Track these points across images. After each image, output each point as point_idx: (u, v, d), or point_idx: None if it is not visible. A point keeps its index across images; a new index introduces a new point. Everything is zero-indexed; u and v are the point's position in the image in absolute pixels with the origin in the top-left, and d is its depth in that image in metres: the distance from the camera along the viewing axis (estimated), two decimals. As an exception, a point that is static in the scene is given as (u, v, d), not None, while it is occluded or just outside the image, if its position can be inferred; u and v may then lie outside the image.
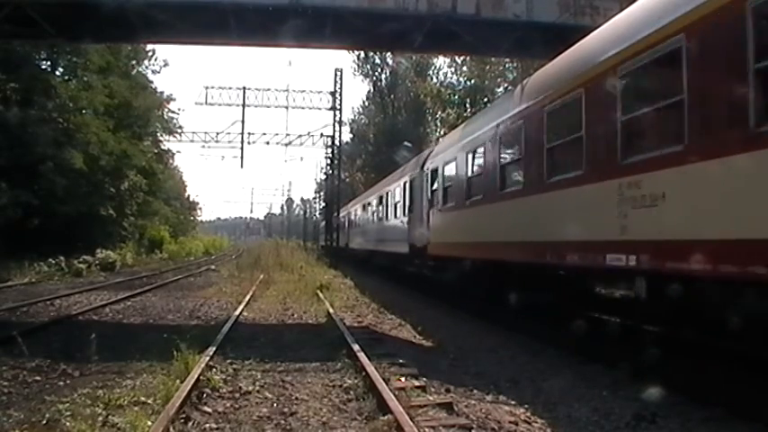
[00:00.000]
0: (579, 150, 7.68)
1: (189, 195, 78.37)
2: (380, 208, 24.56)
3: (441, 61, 52.13)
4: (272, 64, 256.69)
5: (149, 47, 39.63)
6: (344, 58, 77.38)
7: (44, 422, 5.34)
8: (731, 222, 5.18)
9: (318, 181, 76.41)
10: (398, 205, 20.45)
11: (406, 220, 18.90)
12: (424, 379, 7.11)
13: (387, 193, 23.12)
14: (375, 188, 28.31)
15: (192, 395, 6.03)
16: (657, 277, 6.28)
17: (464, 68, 42.87)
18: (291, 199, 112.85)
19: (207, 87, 38.59)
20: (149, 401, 5.93)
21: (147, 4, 12.68)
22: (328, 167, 42.91)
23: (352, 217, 35.38)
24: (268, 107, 38.36)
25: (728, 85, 5.26)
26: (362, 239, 30.40)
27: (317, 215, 78.81)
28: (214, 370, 7.32)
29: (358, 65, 60.26)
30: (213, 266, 34.98)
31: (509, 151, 10.54)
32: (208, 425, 5.49)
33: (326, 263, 34.01)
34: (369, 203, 28.28)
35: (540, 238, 8.95)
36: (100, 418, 5.37)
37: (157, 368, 7.28)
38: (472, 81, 41.35)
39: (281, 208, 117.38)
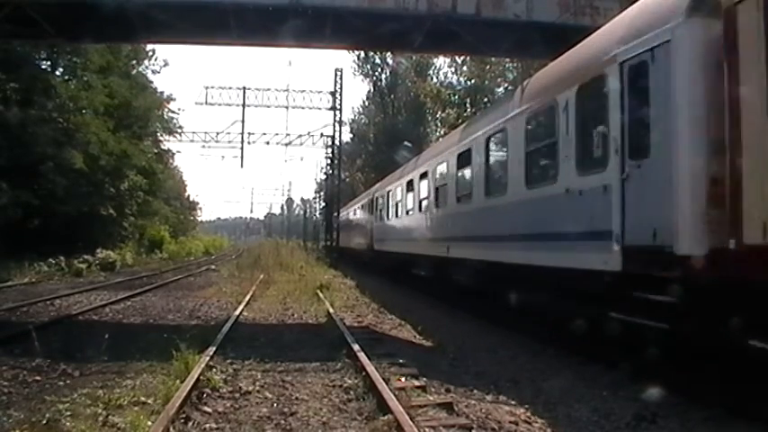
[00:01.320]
0: None
1: (189, 195, 78.47)
2: (463, 175, 13.12)
3: (441, 61, 52.15)
4: (272, 64, 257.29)
5: (149, 47, 39.71)
6: (344, 58, 77.52)
7: (44, 422, 5.33)
8: None
9: (318, 181, 76.42)
10: (553, 155, 8.68)
11: (608, 181, 7.19)
12: (425, 379, 7.11)
13: (487, 140, 11.54)
14: (436, 148, 17.78)
15: (192, 395, 6.04)
16: None
17: (464, 68, 42.85)
18: (291, 199, 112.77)
19: (207, 87, 38.78)
20: (149, 401, 5.93)
21: (147, 4, 12.68)
22: (328, 167, 42.94)
23: (380, 205, 24.41)
24: (268, 107, 38.50)
25: None
26: (405, 239, 19.11)
27: (318, 215, 78.79)
28: (214, 370, 7.32)
29: (358, 65, 60.32)
30: (213, 266, 34.95)
31: None
32: (208, 425, 5.49)
33: (327, 263, 33.98)
34: (423, 176, 16.72)
35: None
36: (100, 418, 5.38)
37: (157, 368, 7.29)
38: (472, 81, 41.32)
39: (281, 208, 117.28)
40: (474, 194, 12.24)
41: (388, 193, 22.34)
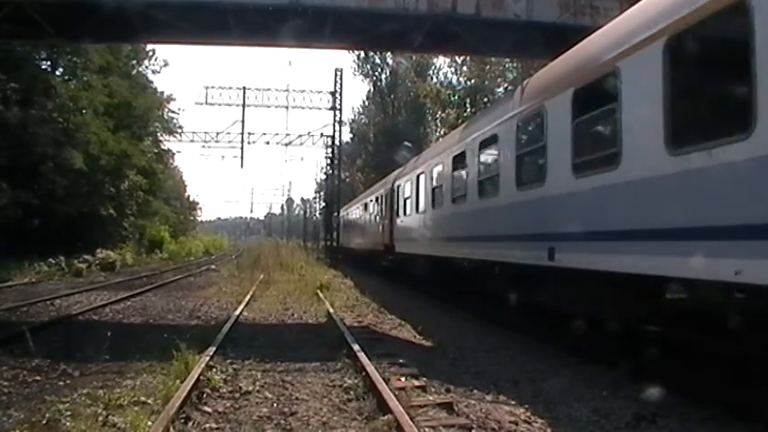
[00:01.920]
0: None
1: (189, 195, 78.59)
2: (585, 128, 7.83)
3: (441, 61, 52.23)
4: (273, 64, 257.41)
5: (149, 47, 39.75)
6: (344, 58, 77.58)
7: (44, 422, 5.33)
8: None
9: (318, 181, 76.47)
10: None
11: None
12: (424, 379, 7.11)
13: (667, 52, 6.02)
14: (499, 107, 12.05)
15: (192, 395, 6.04)
16: None
17: (464, 68, 42.85)
18: (291, 199, 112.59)
19: (207, 87, 38.67)
20: (149, 401, 5.94)
21: (147, 4, 12.67)
22: (328, 167, 42.89)
23: (405, 194, 18.98)
24: (268, 107, 38.38)
25: None
26: (449, 238, 13.91)
27: (318, 215, 78.82)
28: (214, 370, 7.32)
29: (358, 65, 60.39)
30: (213, 266, 34.95)
31: None
32: (208, 425, 5.49)
33: (327, 263, 33.97)
34: (486, 144, 11.47)
35: None
36: (100, 418, 5.38)
37: (157, 368, 7.29)
38: (472, 81, 41.31)
39: (282, 208, 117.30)
40: (628, 155, 6.66)
41: (419, 177, 16.69)
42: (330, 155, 41.02)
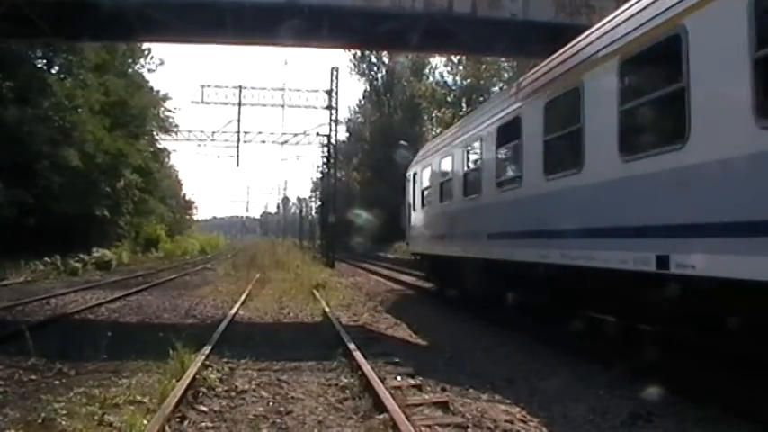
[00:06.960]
0: None
1: (185, 194, 78.31)
2: None
3: (437, 60, 52.27)
4: (269, 63, 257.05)
5: (145, 45, 39.72)
6: (341, 57, 77.61)
7: (40, 421, 5.32)
8: None
9: (314, 180, 76.44)
10: None
11: None
12: (420, 378, 7.12)
13: None
14: None
15: (187, 394, 6.03)
16: None
17: (460, 68, 42.89)
18: (287, 198, 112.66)
19: (203, 86, 38.63)
20: (145, 400, 5.92)
21: (145, 3, 12.63)
22: (324, 166, 42.85)
23: None
24: (264, 106, 38.42)
25: None
26: None
27: (314, 214, 78.84)
28: (210, 369, 7.31)
29: (354, 64, 60.49)
30: (209, 265, 34.93)
31: None
32: (204, 424, 5.49)
33: (322, 262, 33.97)
34: None
35: None
36: (96, 417, 5.36)
37: (153, 367, 7.26)
38: (468, 80, 41.36)
39: (277, 207, 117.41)
40: None
41: None
42: (326, 154, 40.99)
